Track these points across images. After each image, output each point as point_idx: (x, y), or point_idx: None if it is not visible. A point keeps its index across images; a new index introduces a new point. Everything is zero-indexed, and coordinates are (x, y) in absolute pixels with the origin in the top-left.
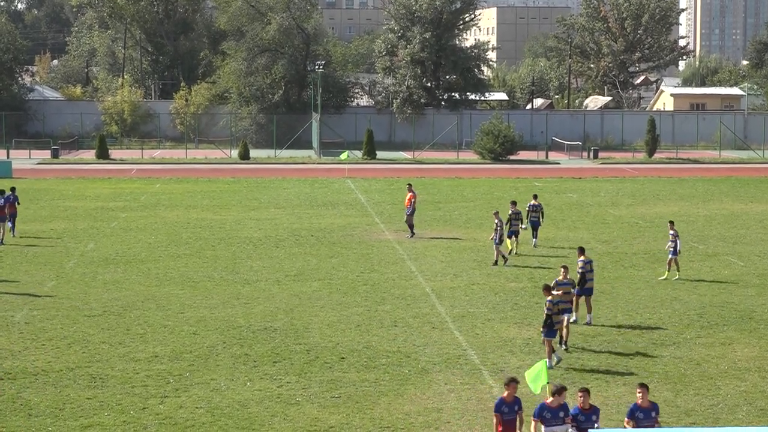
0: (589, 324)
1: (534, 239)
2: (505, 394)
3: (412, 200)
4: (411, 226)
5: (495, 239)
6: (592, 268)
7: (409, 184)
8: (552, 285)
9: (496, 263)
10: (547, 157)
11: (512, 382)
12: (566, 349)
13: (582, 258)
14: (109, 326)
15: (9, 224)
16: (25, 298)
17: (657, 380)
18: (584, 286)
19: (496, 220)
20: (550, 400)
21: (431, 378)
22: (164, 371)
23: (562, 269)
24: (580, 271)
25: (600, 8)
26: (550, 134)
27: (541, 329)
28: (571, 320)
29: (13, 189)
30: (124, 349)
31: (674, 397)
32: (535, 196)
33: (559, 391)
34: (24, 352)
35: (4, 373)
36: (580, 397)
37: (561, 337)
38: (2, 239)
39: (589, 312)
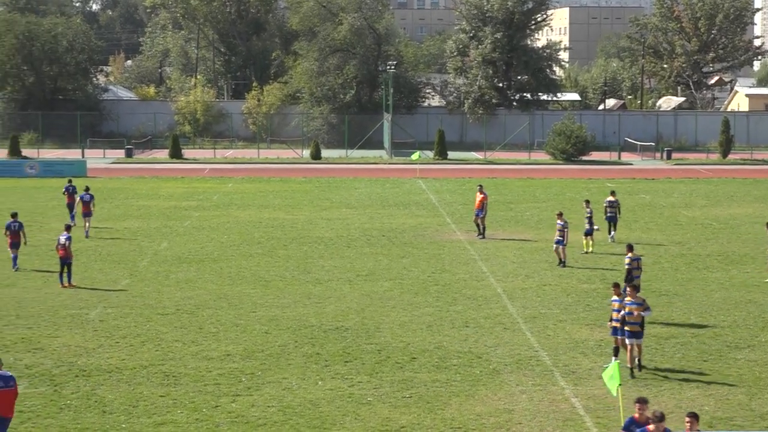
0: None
1: (612, 234)
2: (637, 414)
3: (484, 202)
4: (483, 228)
5: (560, 240)
6: (640, 266)
7: (480, 185)
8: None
9: (563, 264)
10: (619, 157)
11: (642, 401)
12: (632, 374)
13: (630, 255)
14: (182, 324)
15: (71, 217)
16: (100, 296)
17: (731, 383)
18: (631, 283)
19: (559, 221)
20: (651, 428)
21: (502, 379)
22: (236, 370)
23: (630, 289)
24: (627, 267)
25: (673, 8)
26: (622, 135)
27: (609, 324)
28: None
29: (70, 180)
30: (196, 348)
31: (749, 401)
32: (613, 193)
33: (659, 418)
34: (98, 350)
35: (79, 370)
36: (687, 423)
37: (632, 360)
38: (88, 232)
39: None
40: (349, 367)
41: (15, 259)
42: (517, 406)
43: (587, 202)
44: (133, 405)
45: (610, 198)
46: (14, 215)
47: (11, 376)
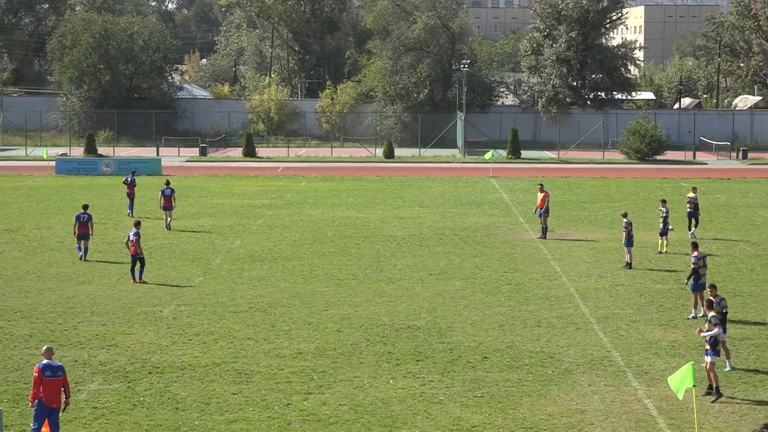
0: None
1: (693, 230)
2: None
3: (546, 200)
4: (545, 228)
5: (624, 241)
6: (705, 264)
7: (541, 184)
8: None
9: (629, 266)
10: (694, 157)
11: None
12: (708, 393)
13: (695, 254)
14: (255, 322)
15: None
16: (173, 294)
17: None
18: (697, 282)
19: (624, 221)
20: None
21: (575, 379)
22: (308, 368)
23: (708, 308)
24: (693, 266)
25: (751, 6)
26: (697, 134)
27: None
28: (690, 316)
29: (133, 172)
30: (268, 346)
31: None
32: (694, 189)
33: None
34: (171, 347)
35: (153, 367)
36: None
37: (715, 378)
38: (169, 225)
39: (704, 306)
40: (421, 366)
41: (80, 249)
42: (589, 406)
43: (663, 201)
44: (205, 402)
45: (691, 194)
46: (85, 207)
47: (60, 365)
